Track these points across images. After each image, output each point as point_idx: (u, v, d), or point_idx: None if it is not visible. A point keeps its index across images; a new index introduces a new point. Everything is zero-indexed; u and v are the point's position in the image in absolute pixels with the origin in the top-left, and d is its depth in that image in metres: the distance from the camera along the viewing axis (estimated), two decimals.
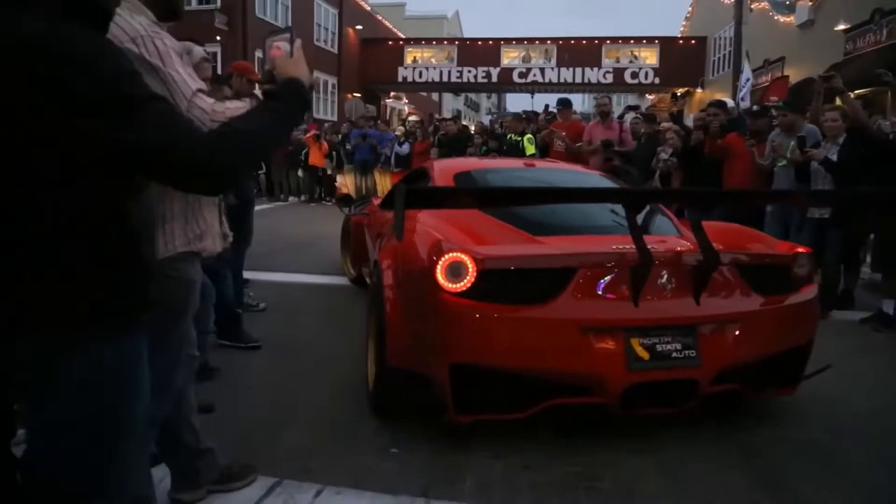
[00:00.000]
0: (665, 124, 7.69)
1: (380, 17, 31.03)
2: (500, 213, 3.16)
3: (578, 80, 26.16)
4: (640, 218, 2.76)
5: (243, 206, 4.28)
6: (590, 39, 26.38)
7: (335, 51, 26.37)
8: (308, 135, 13.20)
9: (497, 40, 27.64)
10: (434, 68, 27.88)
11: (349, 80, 26.93)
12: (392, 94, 32.40)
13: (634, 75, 25.71)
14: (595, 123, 8.01)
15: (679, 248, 2.93)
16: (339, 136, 13.56)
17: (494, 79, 27.31)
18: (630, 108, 8.97)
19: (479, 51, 27.35)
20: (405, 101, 33.49)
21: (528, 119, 9.83)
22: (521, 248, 2.87)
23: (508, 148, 9.06)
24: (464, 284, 2.56)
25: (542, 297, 2.62)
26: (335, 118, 22.97)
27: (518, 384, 2.63)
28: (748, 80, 11.65)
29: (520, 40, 27.76)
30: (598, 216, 3.24)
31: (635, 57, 26.16)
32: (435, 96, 39.15)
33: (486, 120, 14.78)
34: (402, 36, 30.99)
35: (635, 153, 7.44)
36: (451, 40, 30.15)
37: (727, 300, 2.86)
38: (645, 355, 2.62)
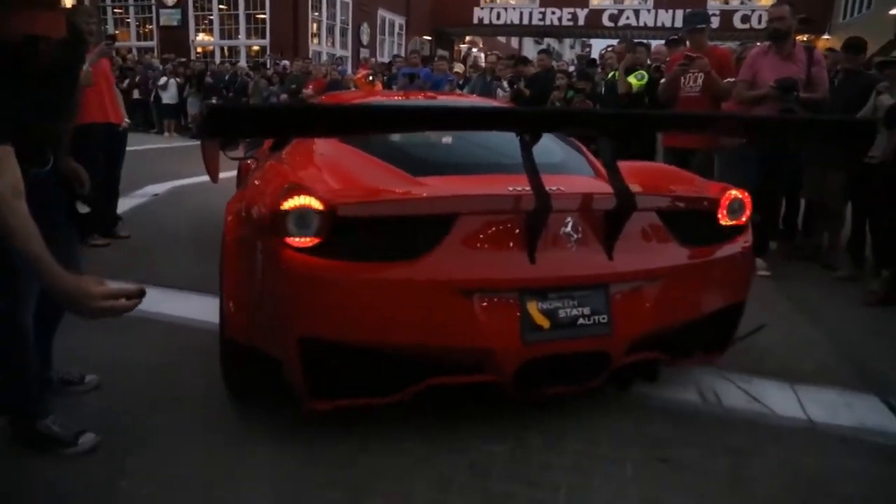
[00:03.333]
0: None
1: None
2: (381, 151, 2.75)
3: (679, 24, 23.97)
4: (550, 154, 2.57)
5: None
6: None
7: None
8: (359, 75, 12.31)
9: None
10: (514, 9, 26.87)
11: (419, 22, 26.22)
12: (467, 38, 31.35)
13: (745, 19, 23.59)
14: (762, 51, 5.02)
15: (588, 190, 2.54)
16: (385, 77, 12.60)
17: (581, 21, 25.98)
18: (804, 21, 5.46)
19: None
20: (481, 46, 32.23)
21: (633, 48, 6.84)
22: (389, 190, 2.39)
23: (607, 90, 6.97)
24: (313, 238, 2.14)
25: (413, 253, 2.20)
26: None
27: (387, 362, 2.26)
28: None
29: None
30: (504, 152, 2.71)
31: None
32: (514, 43, 37.64)
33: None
34: None
35: (832, 101, 5.03)
36: None
37: (646, 254, 2.49)
38: (545, 323, 2.26)
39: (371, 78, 12.03)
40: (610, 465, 2.32)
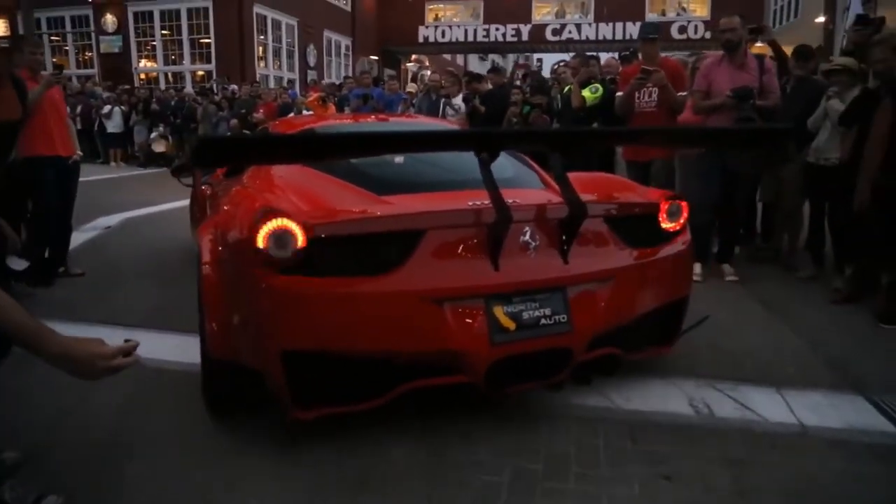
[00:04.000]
0: (841, 59, 5.17)
1: None
2: (342, 172, 2.89)
3: (619, 36, 24.79)
4: (503, 169, 2.72)
5: None
6: None
7: (348, 8, 25.65)
8: (311, 98, 12.13)
9: None
10: (458, 26, 27.08)
11: (365, 42, 26.18)
12: (413, 57, 31.38)
13: (682, 30, 24.22)
14: (715, 61, 5.04)
15: (542, 202, 2.71)
16: (336, 98, 12.47)
17: (525, 37, 26.29)
18: (754, 30, 5.62)
19: (508, 6, 26.22)
20: (426, 64, 32.32)
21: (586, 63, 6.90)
22: (359, 210, 2.53)
23: (563, 105, 6.86)
24: (291, 256, 2.26)
25: (385, 267, 2.36)
26: None
27: (366, 369, 2.40)
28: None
29: None
30: (459, 170, 2.90)
31: (683, 9, 24.65)
32: (460, 60, 37.91)
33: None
34: None
35: (787, 108, 5.07)
36: None
37: (598, 257, 2.72)
38: (510, 325, 2.43)
39: (324, 101, 11.88)
40: (615, 487, 2.26)
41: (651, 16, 24.55)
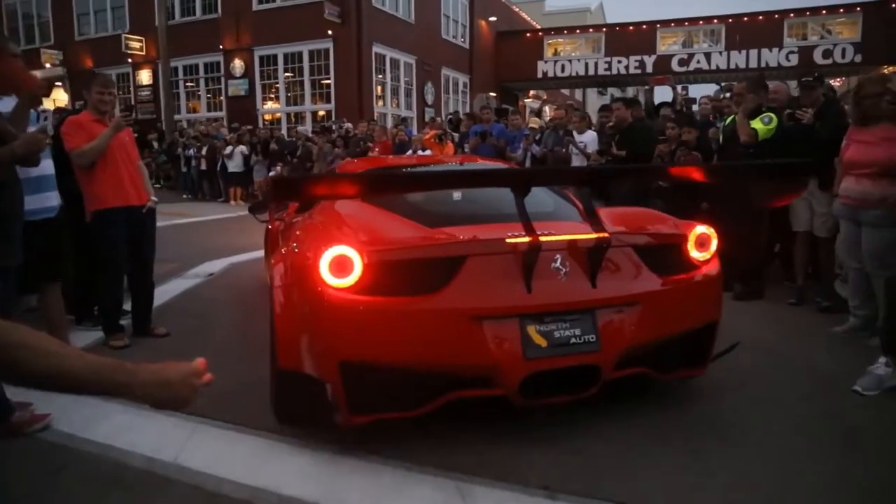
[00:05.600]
0: None
1: (516, 8, 29.45)
2: (398, 208, 3.21)
3: (753, 64, 22.91)
4: (544, 204, 3.34)
5: None
6: (768, 14, 22.94)
7: (466, 45, 25.44)
8: (427, 136, 11.47)
9: (652, 23, 25.09)
10: (578, 60, 26.17)
11: (482, 78, 25.78)
12: (532, 93, 30.68)
13: (827, 54, 21.93)
14: None
15: (572, 232, 2.95)
16: (457, 136, 11.71)
17: (649, 69, 24.77)
18: None
19: (631, 37, 25.13)
20: (545, 99, 31.46)
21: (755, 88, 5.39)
22: (409, 239, 2.86)
23: (726, 139, 5.65)
24: (350, 280, 2.59)
25: (431, 288, 2.65)
26: None
27: (414, 379, 2.65)
28: None
29: (679, 21, 25.00)
30: (502, 205, 3.07)
31: (828, 32, 22.36)
32: (578, 95, 36.82)
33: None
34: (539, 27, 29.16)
35: None
36: (597, 27, 27.82)
37: (625, 282, 2.91)
38: (542, 342, 2.66)
39: (440, 139, 11.14)
40: None
41: (790, 41, 22.59)
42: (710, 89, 14.60)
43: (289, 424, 2.99)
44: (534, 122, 9.82)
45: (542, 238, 2.68)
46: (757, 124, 5.19)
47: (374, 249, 2.64)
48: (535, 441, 2.89)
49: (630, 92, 46.14)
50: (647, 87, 11.46)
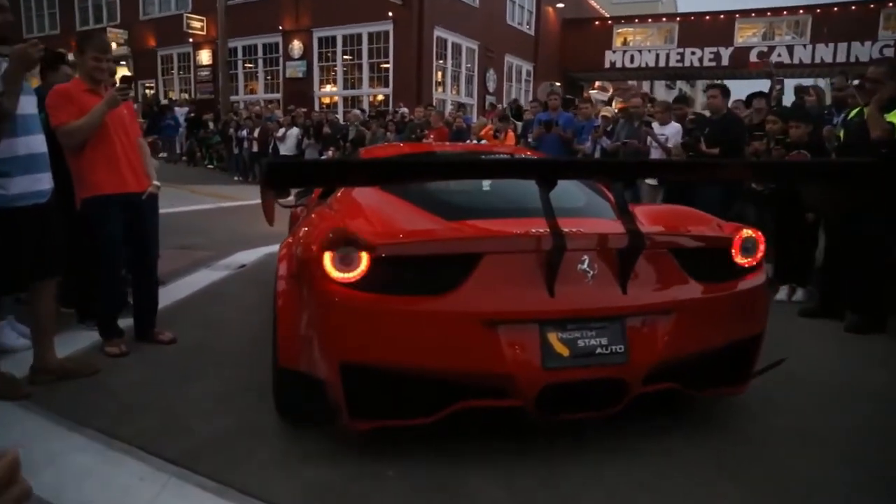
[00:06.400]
0: None
1: None
2: (418, 198, 2.95)
3: (842, 58, 21.13)
4: (574, 199, 3.07)
5: None
6: (862, 4, 21.05)
7: (531, 32, 24.45)
8: (485, 130, 10.59)
9: (730, 13, 23.49)
10: (649, 51, 24.84)
11: (547, 67, 24.71)
12: (597, 84, 29.35)
13: None
14: None
15: (602, 231, 2.69)
16: (519, 125, 10.81)
17: (725, 61, 23.46)
18: None
19: (706, 27, 23.62)
20: (611, 92, 30.10)
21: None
22: (422, 232, 2.62)
23: (849, 135, 4.65)
24: (355, 275, 2.38)
25: (443, 287, 2.42)
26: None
27: (421, 385, 2.44)
28: None
29: (761, 11, 23.27)
30: (528, 198, 2.62)
31: None
32: (645, 87, 35.25)
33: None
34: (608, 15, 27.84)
35: None
36: (670, 16, 26.37)
37: (660, 289, 2.65)
38: (564, 351, 2.43)
39: (496, 135, 10.25)
40: None
41: (884, 33, 20.70)
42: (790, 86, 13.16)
43: (291, 423, 2.85)
44: (606, 112, 8.77)
45: (569, 237, 2.43)
46: (894, 118, 4.19)
47: (381, 242, 2.42)
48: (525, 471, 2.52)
49: (700, 86, 44.35)
50: (772, 72, 10.26)
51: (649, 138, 6.92)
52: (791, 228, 5.30)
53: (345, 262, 2.37)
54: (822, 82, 18.56)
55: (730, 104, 6.47)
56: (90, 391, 3.18)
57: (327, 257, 2.37)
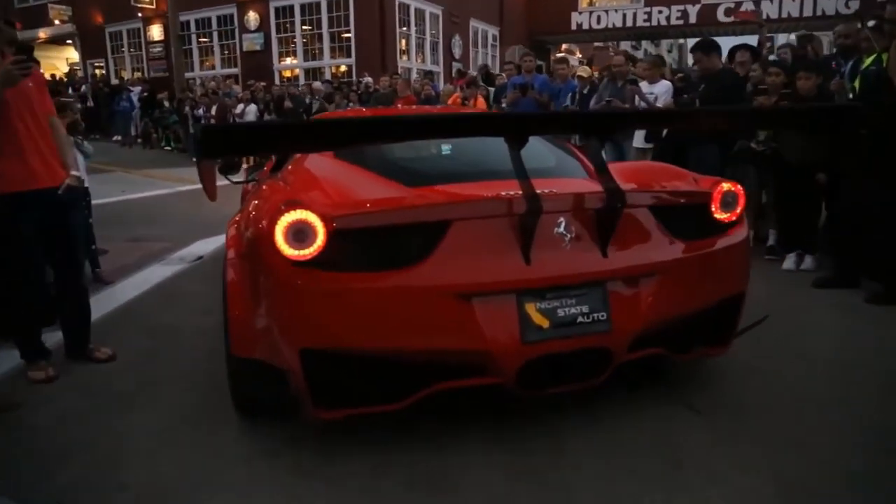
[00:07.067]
0: None
1: None
2: (376, 164, 2.74)
3: (808, 12, 20.78)
4: (544, 159, 2.85)
5: None
6: None
7: None
8: (453, 96, 9.99)
9: None
10: (616, 10, 24.25)
11: (513, 31, 24.06)
12: (564, 47, 28.81)
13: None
14: None
15: (579, 191, 2.50)
16: (488, 90, 10.22)
17: (693, 19, 22.91)
18: None
19: None
20: (579, 56, 29.56)
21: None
22: (383, 201, 2.40)
23: (867, 85, 4.28)
24: (312, 251, 2.16)
25: (409, 260, 2.22)
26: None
27: (390, 369, 2.27)
28: None
29: None
30: (497, 160, 2.55)
31: None
32: (612, 52, 34.74)
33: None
34: None
35: None
36: None
37: (641, 250, 2.51)
38: (544, 322, 2.28)
39: (467, 102, 9.66)
40: None
41: None
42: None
43: (249, 416, 2.67)
44: (583, 72, 8.22)
45: (543, 198, 2.25)
46: None
47: (338, 213, 2.21)
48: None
49: (664, 45, 43.96)
50: (762, 24, 9.75)
51: (637, 98, 6.42)
52: (795, 191, 4.87)
53: (298, 238, 2.15)
54: (783, 38, 18.18)
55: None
56: (2, 435, 2.61)
57: (279, 233, 2.15)
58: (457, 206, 2.35)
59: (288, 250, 2.16)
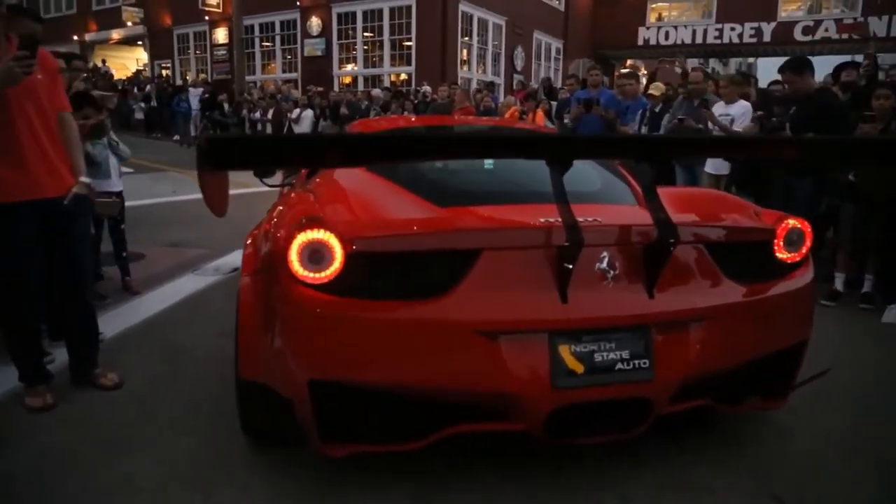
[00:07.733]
0: None
1: None
2: (407, 180, 2.52)
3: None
4: (590, 182, 2.67)
5: None
6: None
7: (561, 7, 23.30)
8: (509, 113, 9.55)
9: None
10: (685, 27, 23.58)
11: (577, 45, 23.55)
12: (628, 62, 28.09)
13: None
14: None
15: (626, 222, 2.26)
16: (550, 104, 9.75)
17: (767, 37, 22.06)
18: None
19: (747, 1, 21.95)
20: (644, 72, 28.76)
21: None
22: (410, 223, 2.17)
23: None
24: (328, 274, 1.96)
25: (434, 291, 2.02)
26: None
27: (404, 407, 2.06)
28: None
29: None
30: (541, 180, 2.15)
31: None
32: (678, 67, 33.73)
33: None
34: None
35: None
36: None
37: (692, 291, 2.26)
38: (578, 367, 2.05)
39: (524, 116, 9.19)
40: None
41: None
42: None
43: (256, 441, 2.54)
44: (655, 90, 7.67)
45: (585, 229, 2.00)
46: None
47: (359, 235, 2.00)
48: None
49: (733, 64, 42.63)
50: (868, 38, 9.05)
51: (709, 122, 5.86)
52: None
53: (314, 260, 1.97)
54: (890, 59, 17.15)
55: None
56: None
57: (294, 253, 1.97)
58: (489, 234, 2.16)
59: (302, 272, 1.98)
